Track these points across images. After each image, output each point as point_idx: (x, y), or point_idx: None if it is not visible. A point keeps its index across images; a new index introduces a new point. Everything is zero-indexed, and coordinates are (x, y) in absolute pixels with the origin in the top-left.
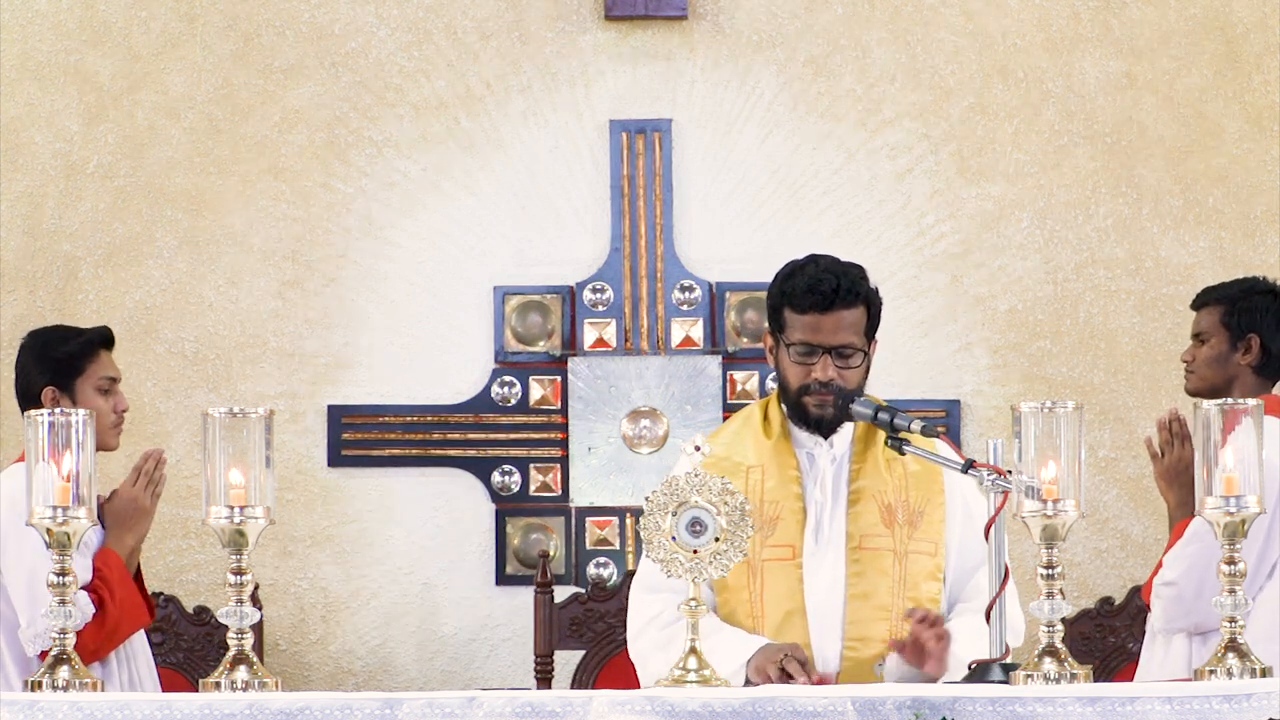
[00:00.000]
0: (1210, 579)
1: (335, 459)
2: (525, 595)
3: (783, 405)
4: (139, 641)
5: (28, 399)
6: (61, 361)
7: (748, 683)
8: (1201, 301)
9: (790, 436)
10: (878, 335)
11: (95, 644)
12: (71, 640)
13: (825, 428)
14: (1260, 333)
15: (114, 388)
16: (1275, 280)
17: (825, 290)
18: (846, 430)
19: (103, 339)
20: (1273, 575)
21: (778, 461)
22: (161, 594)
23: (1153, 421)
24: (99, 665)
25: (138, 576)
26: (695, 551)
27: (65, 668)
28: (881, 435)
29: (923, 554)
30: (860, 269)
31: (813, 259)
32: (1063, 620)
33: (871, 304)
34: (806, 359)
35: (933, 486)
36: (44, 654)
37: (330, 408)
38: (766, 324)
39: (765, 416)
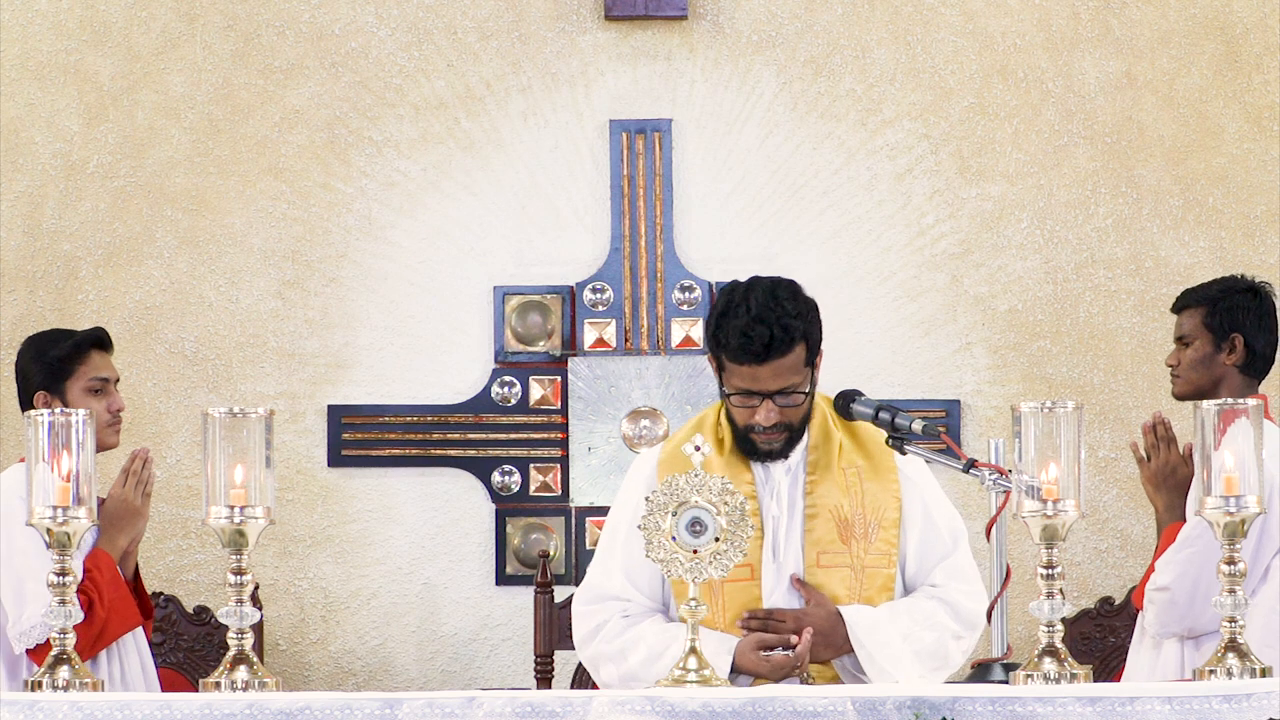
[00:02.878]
0: (1204, 583)
1: (335, 459)
2: (525, 595)
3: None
4: (131, 640)
5: (25, 402)
6: (51, 365)
7: (736, 672)
8: (1182, 304)
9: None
10: (824, 347)
11: (81, 645)
12: (72, 640)
13: (775, 457)
14: (1243, 332)
15: (107, 387)
16: (1255, 278)
17: (757, 348)
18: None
19: (93, 340)
20: (1266, 579)
21: (730, 478)
22: (161, 594)
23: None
24: (89, 664)
25: (136, 577)
26: (695, 551)
27: (65, 668)
28: (837, 445)
29: (878, 568)
30: (792, 299)
31: (745, 298)
32: (1063, 620)
33: (809, 337)
34: (748, 402)
35: (889, 499)
36: (30, 651)
37: (330, 408)
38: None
39: (717, 423)
